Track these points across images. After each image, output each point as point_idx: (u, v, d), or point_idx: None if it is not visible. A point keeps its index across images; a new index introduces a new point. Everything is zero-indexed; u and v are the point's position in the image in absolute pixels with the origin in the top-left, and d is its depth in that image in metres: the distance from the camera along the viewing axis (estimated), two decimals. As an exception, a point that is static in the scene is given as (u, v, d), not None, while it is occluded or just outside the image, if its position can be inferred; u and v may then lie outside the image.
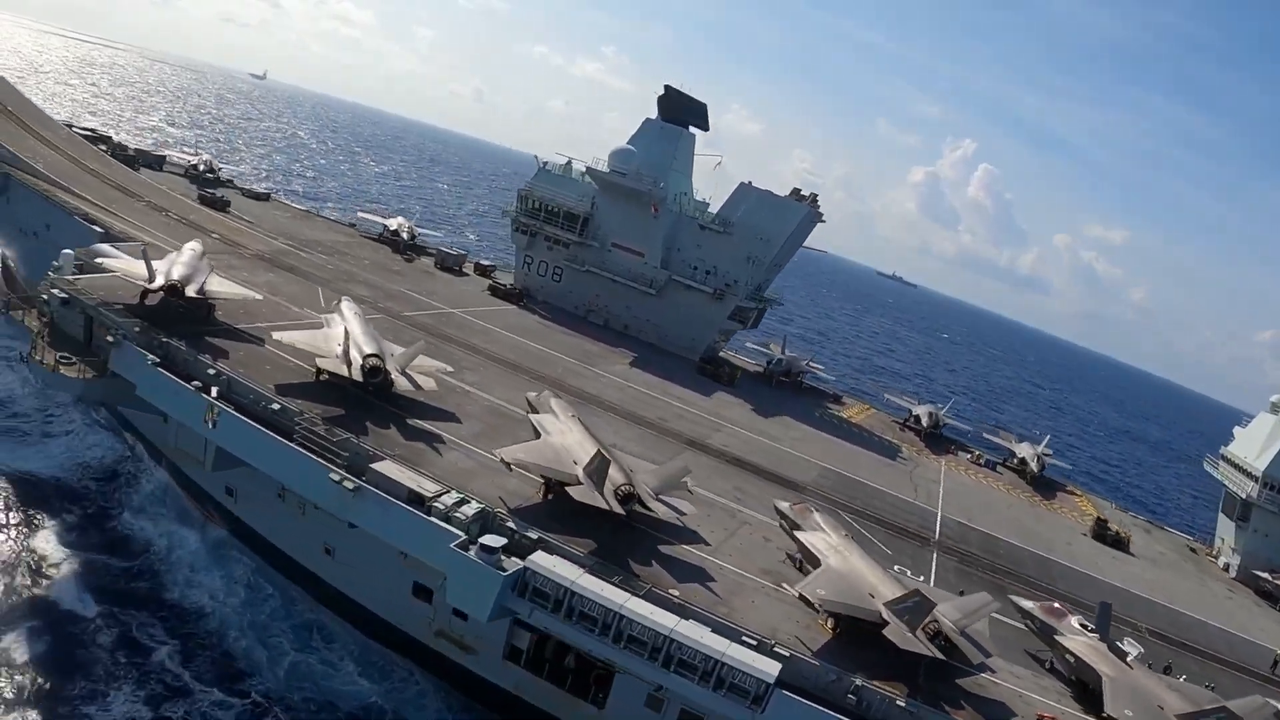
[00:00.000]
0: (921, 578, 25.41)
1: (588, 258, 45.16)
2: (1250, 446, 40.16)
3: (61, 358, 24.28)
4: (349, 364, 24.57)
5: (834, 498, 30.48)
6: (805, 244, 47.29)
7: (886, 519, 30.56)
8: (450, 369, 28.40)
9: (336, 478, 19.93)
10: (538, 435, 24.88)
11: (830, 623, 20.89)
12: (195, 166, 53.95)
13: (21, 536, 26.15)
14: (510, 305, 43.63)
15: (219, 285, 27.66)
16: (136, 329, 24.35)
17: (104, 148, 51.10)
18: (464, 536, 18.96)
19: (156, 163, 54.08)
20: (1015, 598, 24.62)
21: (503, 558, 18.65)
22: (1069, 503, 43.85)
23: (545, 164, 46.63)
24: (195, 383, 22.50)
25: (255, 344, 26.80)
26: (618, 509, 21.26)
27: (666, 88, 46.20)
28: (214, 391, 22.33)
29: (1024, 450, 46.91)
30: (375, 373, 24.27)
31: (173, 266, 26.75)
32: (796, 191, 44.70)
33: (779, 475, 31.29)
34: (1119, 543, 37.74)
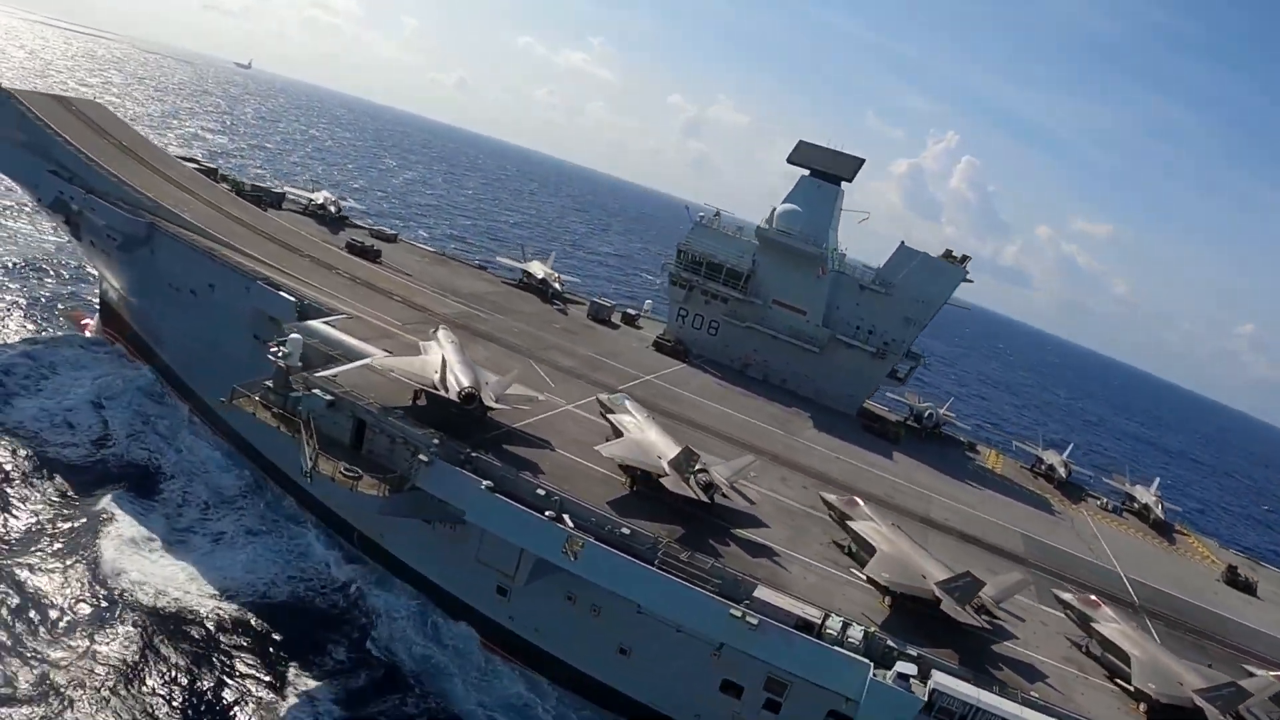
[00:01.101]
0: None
1: (747, 314, 45.62)
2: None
3: (347, 470, 23.03)
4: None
5: (1043, 565, 31.35)
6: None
7: (1092, 584, 31.10)
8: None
9: (738, 613, 20.20)
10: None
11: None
12: (320, 205, 51.57)
13: (262, 670, 25.54)
14: (679, 362, 43.90)
15: (502, 388, 26.95)
16: (436, 441, 23.69)
17: (227, 187, 49.98)
18: (871, 664, 19.63)
19: (276, 201, 51.54)
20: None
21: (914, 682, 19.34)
22: (1184, 544, 44.64)
23: (700, 216, 46.99)
24: (548, 512, 22.22)
25: (540, 446, 26.49)
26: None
27: (800, 143, 46.63)
28: (567, 520, 22.15)
29: (1143, 494, 48.03)
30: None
31: (457, 367, 25.95)
32: (949, 253, 45.45)
33: (1003, 550, 32.06)
34: (1249, 587, 38.20)
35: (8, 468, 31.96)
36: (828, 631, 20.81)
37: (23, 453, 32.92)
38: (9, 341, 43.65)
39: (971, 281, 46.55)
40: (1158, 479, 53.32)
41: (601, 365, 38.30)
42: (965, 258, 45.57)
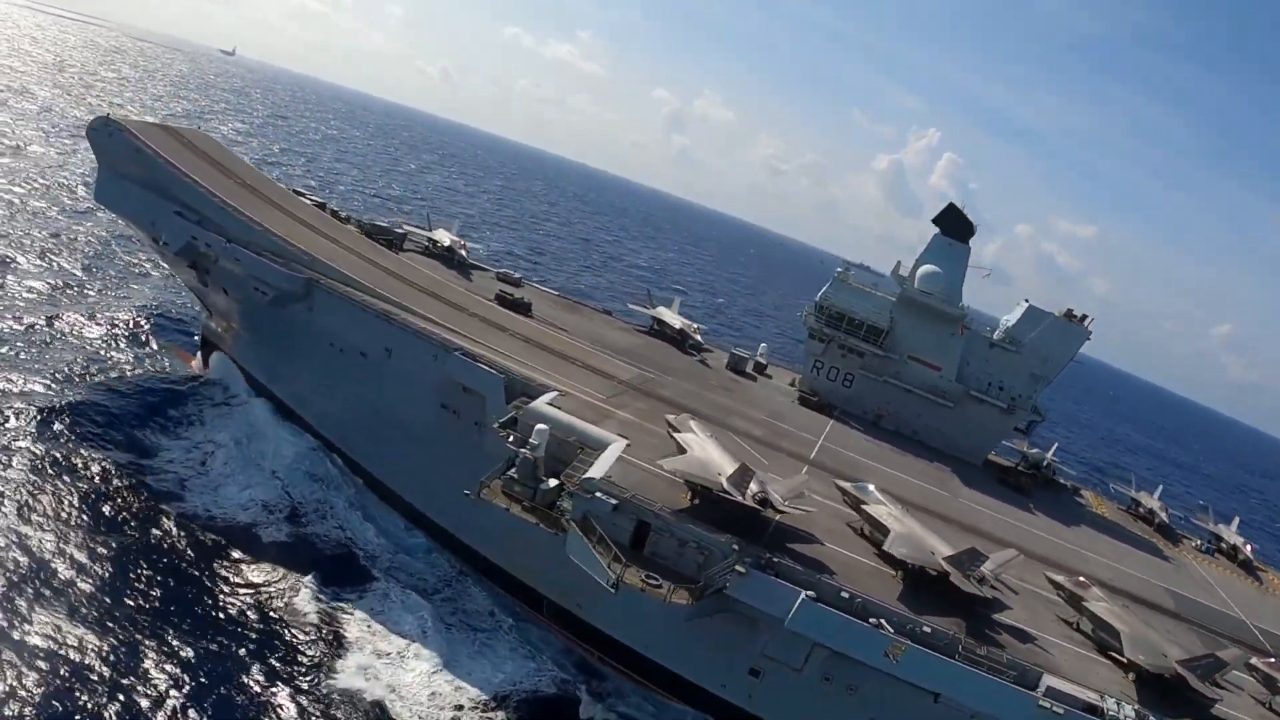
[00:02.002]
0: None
1: (883, 368, 47.77)
2: None
3: (649, 578, 23.83)
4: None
5: (1199, 622, 33.60)
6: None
7: (1237, 638, 32.81)
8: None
9: (1046, 704, 22.20)
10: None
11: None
12: (447, 248, 50.42)
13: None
14: (826, 418, 45.78)
15: (792, 491, 28.04)
16: (736, 547, 24.74)
17: (354, 227, 49.44)
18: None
19: (399, 241, 50.21)
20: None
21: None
22: (1268, 583, 46.42)
23: (839, 271, 48.99)
24: (873, 619, 23.71)
25: (807, 540, 27.87)
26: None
27: (950, 206, 49.04)
28: (886, 625, 23.70)
29: (1228, 534, 50.81)
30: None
31: (743, 470, 26.77)
32: (1070, 312, 48.02)
33: (1163, 608, 34.39)
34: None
35: (214, 548, 32.05)
36: (1109, 714, 23.09)
37: (229, 531, 33.17)
38: (133, 382, 43.86)
39: (1090, 338, 49.24)
40: (1237, 519, 56.27)
41: (784, 433, 39.55)
42: (1085, 317, 48.24)
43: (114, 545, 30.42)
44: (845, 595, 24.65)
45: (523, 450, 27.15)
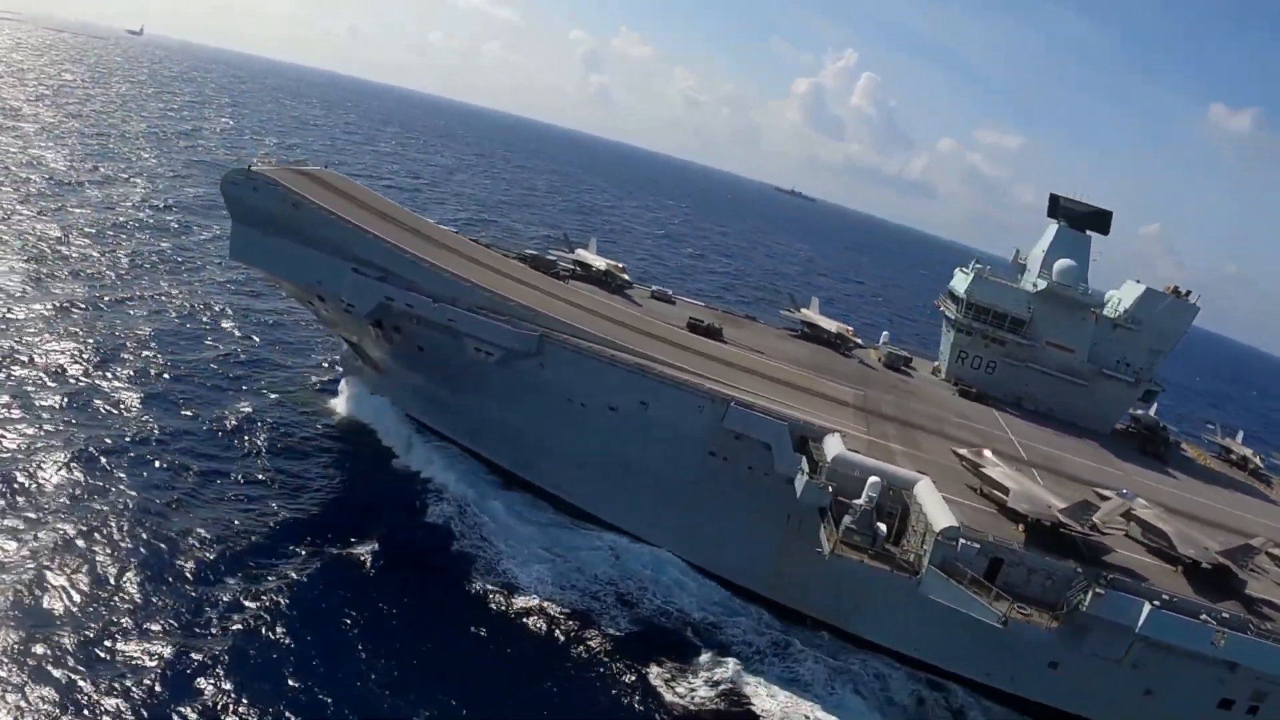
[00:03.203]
0: None
1: (1024, 354, 52.04)
2: None
3: (1020, 609, 27.37)
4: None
5: None
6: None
7: None
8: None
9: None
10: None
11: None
12: (604, 272, 50.64)
13: None
14: (984, 406, 49.88)
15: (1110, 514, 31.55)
16: (1079, 570, 28.72)
17: (515, 259, 49.31)
18: None
19: (549, 267, 50.00)
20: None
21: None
22: None
23: (978, 267, 52.55)
24: (1203, 616, 28.10)
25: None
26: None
27: (1053, 196, 53.06)
28: (1206, 618, 28.08)
29: (1237, 447, 57.11)
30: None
31: (1084, 508, 30.10)
32: (1176, 289, 53.00)
33: None
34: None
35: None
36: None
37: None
38: (313, 423, 44.93)
39: (1199, 310, 54.33)
40: (1240, 431, 62.59)
41: (992, 437, 42.80)
42: (1190, 292, 53.27)
43: (454, 638, 31.30)
44: (1166, 598, 28.99)
45: (857, 502, 30.16)
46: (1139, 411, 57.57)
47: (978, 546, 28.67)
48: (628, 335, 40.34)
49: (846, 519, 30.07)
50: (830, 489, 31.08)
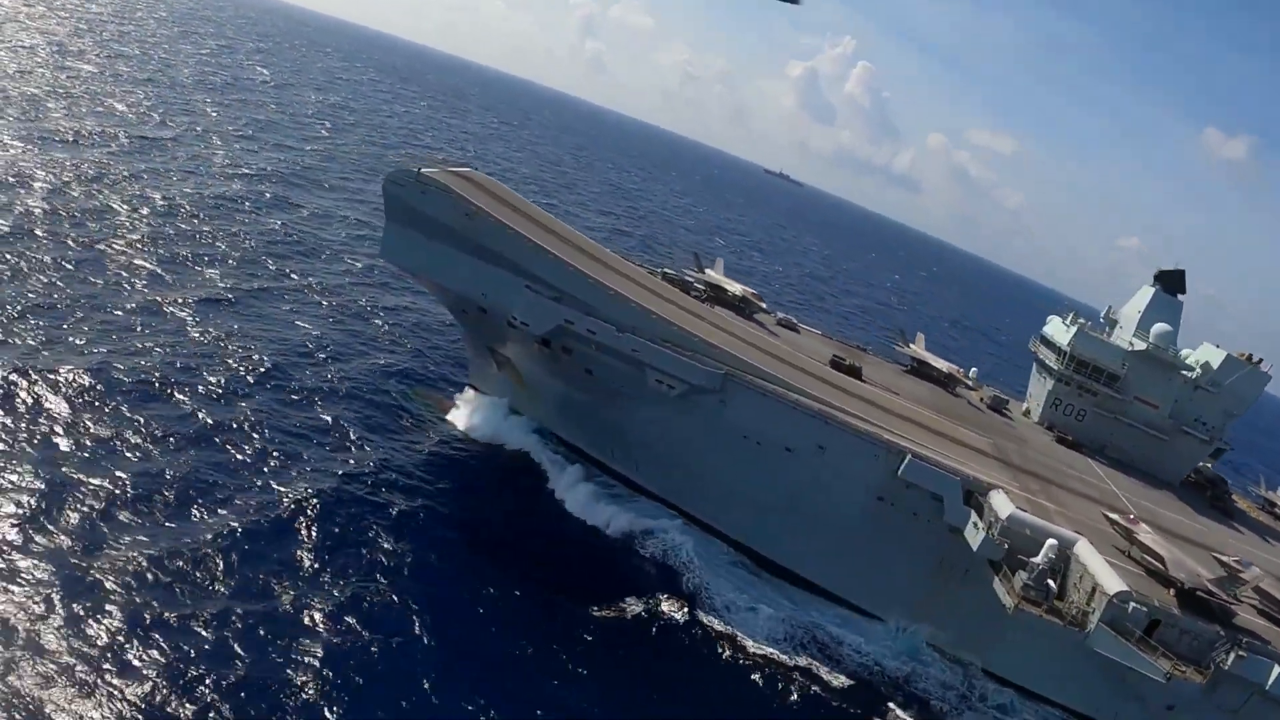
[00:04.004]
0: None
1: (1113, 406, 56.65)
2: None
3: (1178, 667, 31.73)
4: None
5: None
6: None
7: None
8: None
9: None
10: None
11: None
12: (741, 299, 52.48)
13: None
14: (1077, 453, 54.44)
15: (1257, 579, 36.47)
16: (1221, 632, 33.36)
17: (659, 273, 51.71)
18: None
19: (685, 289, 50.53)
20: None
21: None
22: None
23: (1081, 322, 56.87)
24: None
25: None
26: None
27: (1160, 272, 57.64)
28: None
29: None
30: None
31: (1231, 580, 35.24)
32: (1249, 357, 57.79)
33: None
34: None
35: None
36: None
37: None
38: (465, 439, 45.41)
39: (1270, 378, 59.22)
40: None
41: (1109, 494, 47.15)
42: (1261, 360, 58.05)
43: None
44: None
45: (1034, 560, 34.33)
46: (1206, 465, 62.76)
47: (1145, 609, 33.02)
48: (802, 378, 42.64)
49: (1023, 575, 34.25)
50: (1005, 546, 35.14)
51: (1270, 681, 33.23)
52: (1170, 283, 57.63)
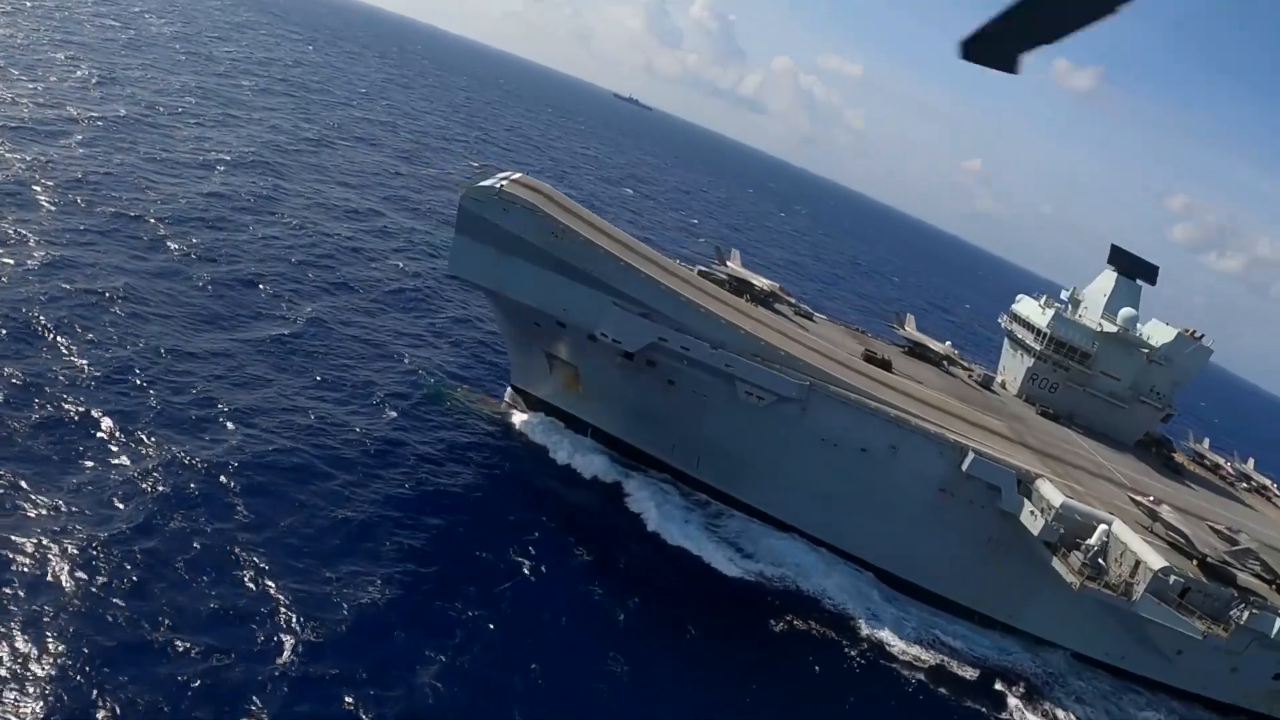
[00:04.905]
0: None
1: (1082, 379, 63.41)
2: None
3: (1212, 626, 37.91)
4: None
5: None
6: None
7: None
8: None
9: None
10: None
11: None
12: (766, 294, 53.47)
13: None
14: (1057, 424, 60.85)
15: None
16: (1234, 594, 39.73)
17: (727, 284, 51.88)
18: None
19: (720, 285, 51.15)
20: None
21: None
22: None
23: (1058, 306, 62.80)
24: None
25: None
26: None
27: (1114, 247, 64.23)
28: None
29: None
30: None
31: (1246, 554, 41.91)
32: (1193, 333, 65.79)
33: None
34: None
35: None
36: None
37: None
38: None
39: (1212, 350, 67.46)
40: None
41: (1099, 464, 53.78)
42: (1203, 336, 66.16)
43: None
44: None
45: (1089, 542, 39.56)
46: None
47: (1181, 580, 38.91)
48: (871, 384, 45.59)
49: (1079, 555, 39.41)
50: (1061, 530, 40.11)
51: (1275, 630, 40.15)
52: (1125, 266, 64.41)
